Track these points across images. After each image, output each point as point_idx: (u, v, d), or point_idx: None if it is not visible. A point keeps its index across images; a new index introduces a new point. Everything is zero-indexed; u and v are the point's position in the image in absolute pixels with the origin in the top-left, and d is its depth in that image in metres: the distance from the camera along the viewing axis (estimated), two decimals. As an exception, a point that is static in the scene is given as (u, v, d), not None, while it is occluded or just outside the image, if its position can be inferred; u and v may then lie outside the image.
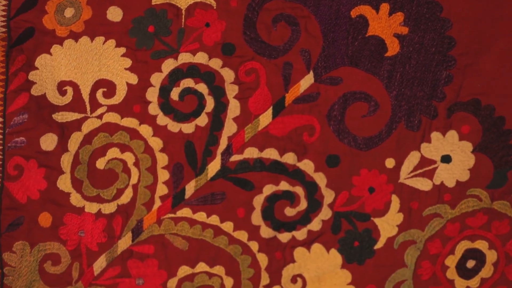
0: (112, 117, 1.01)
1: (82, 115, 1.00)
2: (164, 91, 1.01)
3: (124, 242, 1.02)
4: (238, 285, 1.04)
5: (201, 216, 1.02)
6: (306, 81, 1.01)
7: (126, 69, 1.00)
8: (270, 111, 1.02)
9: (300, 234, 1.04)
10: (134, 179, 1.02)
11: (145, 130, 1.01)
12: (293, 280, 1.05)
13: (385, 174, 1.03)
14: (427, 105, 1.02)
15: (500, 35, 1.01)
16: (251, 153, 1.02)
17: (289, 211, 1.03)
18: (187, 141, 1.01)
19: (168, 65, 1.01)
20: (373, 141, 1.02)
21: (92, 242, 1.02)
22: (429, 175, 1.03)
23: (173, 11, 1.00)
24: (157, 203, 1.02)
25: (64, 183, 1.01)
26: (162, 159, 1.02)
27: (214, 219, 1.03)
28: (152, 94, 1.01)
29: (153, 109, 1.01)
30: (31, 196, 1.00)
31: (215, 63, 1.01)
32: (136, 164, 1.02)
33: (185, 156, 1.02)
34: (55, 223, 1.01)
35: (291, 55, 1.01)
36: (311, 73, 1.01)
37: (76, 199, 1.01)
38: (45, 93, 0.99)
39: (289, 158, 1.02)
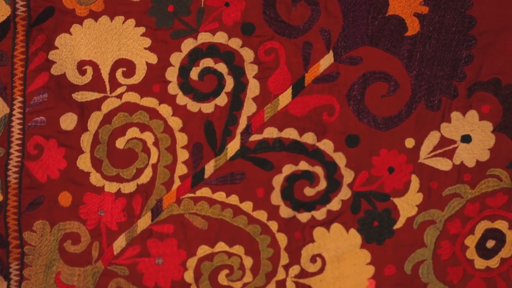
0: (132, 97, 1.01)
1: (102, 94, 1.00)
2: (184, 71, 1.01)
3: (144, 222, 1.02)
4: (258, 264, 1.04)
5: (220, 195, 1.02)
6: (326, 61, 1.01)
7: (145, 48, 1.00)
8: (289, 90, 1.01)
9: (320, 214, 1.04)
10: (153, 159, 1.02)
11: (165, 110, 1.01)
12: (313, 259, 1.05)
13: (404, 154, 1.03)
14: (447, 84, 1.02)
15: (521, 14, 1.01)
16: (271, 133, 1.02)
17: (309, 191, 1.03)
18: (207, 120, 1.01)
19: (188, 44, 1.00)
20: (393, 121, 1.02)
21: (111, 221, 1.02)
22: (449, 155, 1.03)
23: (193, -9, 1.00)
24: (177, 182, 1.02)
25: (83, 162, 1.01)
26: (182, 138, 1.01)
27: (234, 199, 1.03)
28: (172, 74, 1.01)
29: (173, 88, 1.01)
30: (51, 176, 1.00)
31: (235, 43, 1.01)
32: (156, 143, 1.01)
33: (204, 135, 1.01)
34: (75, 203, 1.01)
35: (311, 35, 1.01)
36: (331, 52, 1.01)
37: (95, 179, 1.01)
38: (65, 73, 0.99)
39: (309, 138, 1.02)
